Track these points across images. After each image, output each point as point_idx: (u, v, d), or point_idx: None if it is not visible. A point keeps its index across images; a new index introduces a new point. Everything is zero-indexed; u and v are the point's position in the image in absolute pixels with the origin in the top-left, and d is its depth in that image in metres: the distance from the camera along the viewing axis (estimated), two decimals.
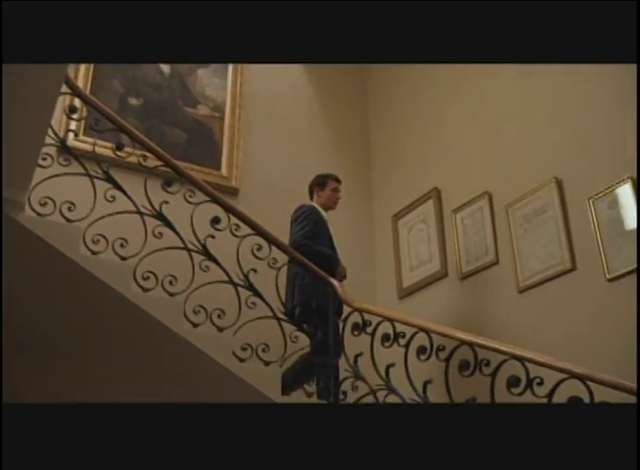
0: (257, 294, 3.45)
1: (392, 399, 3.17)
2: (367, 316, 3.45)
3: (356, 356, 3.38)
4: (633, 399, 2.23)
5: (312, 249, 4.01)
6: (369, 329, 3.39)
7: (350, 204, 5.58)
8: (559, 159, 4.14)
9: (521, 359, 2.63)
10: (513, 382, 2.59)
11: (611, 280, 3.64)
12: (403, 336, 3.21)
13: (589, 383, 2.36)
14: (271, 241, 3.57)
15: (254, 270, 3.47)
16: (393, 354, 3.27)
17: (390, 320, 3.31)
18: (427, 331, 3.09)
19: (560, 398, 2.43)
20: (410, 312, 4.52)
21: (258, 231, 3.56)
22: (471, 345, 2.85)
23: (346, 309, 3.57)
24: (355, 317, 3.49)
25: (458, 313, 4.50)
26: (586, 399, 2.32)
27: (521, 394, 2.57)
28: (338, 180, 4.46)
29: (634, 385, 2.25)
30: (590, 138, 3.98)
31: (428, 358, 3.02)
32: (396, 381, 3.21)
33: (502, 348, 2.72)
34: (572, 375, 2.43)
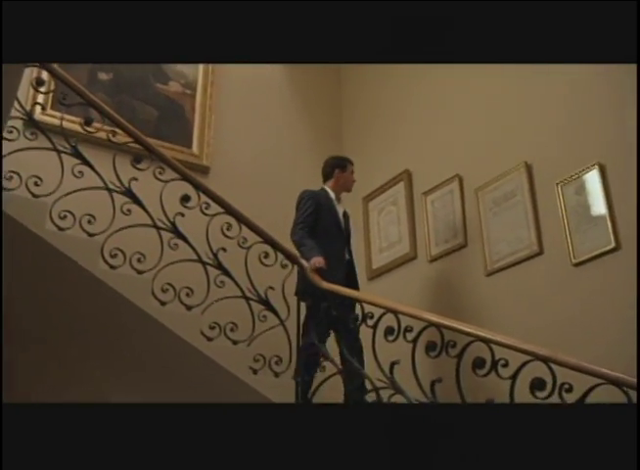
0: (226, 273, 3.44)
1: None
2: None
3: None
4: (595, 381, 2.27)
5: (295, 240, 3.97)
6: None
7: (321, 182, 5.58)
8: (529, 144, 4.17)
9: (486, 341, 2.65)
10: (478, 363, 2.61)
11: (576, 265, 3.69)
12: (371, 317, 3.21)
13: (552, 365, 2.40)
14: (241, 220, 3.55)
15: (224, 249, 3.46)
16: (361, 335, 3.30)
17: (358, 301, 3.32)
18: (394, 312, 3.10)
19: (523, 380, 2.46)
20: (379, 294, 4.56)
21: (229, 210, 3.55)
22: (437, 326, 2.87)
23: None
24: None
25: (427, 295, 4.53)
26: (549, 382, 2.36)
27: (485, 375, 2.59)
28: (353, 163, 4.43)
29: (596, 367, 2.28)
30: (560, 124, 4.02)
31: (395, 339, 3.04)
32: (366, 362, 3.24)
33: (468, 329, 2.75)
34: (537, 357, 2.46)
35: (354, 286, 4.04)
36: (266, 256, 3.62)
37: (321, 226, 4.05)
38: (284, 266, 3.70)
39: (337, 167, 4.33)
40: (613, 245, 3.53)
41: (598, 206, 3.68)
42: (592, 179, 3.73)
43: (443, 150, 4.79)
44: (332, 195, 4.25)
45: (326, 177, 4.36)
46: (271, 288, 3.59)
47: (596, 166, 3.72)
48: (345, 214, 4.33)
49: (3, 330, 3.01)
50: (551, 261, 3.85)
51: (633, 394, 2.16)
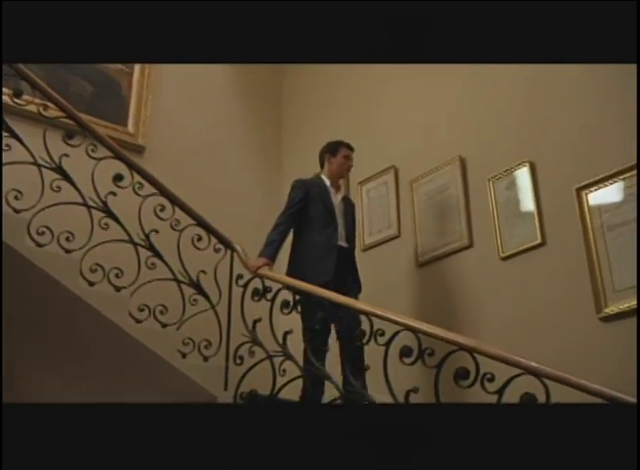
0: (158, 255, 3.39)
1: (288, 364, 3.20)
2: (268, 283, 3.46)
3: (255, 322, 3.39)
4: (516, 372, 2.34)
5: (269, 233, 3.87)
6: (269, 295, 3.41)
7: (259, 166, 5.58)
8: (464, 139, 4.25)
9: (413, 330, 2.70)
10: (405, 352, 2.66)
11: (504, 258, 3.79)
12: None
13: (476, 355, 2.46)
14: (175, 202, 3.51)
15: (156, 231, 3.41)
16: (292, 322, 3.31)
17: (290, 287, 3.33)
18: (325, 300, 3.13)
19: (448, 369, 2.51)
20: None
21: (162, 191, 3.50)
22: (367, 315, 2.91)
23: (248, 275, 3.57)
24: (256, 283, 3.49)
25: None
26: (473, 371, 2.42)
27: (412, 363, 2.64)
28: (350, 147, 4.16)
29: (517, 358, 2.35)
30: (494, 122, 4.11)
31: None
32: (293, 348, 3.24)
33: (397, 318, 2.78)
34: (461, 347, 2.52)
35: (352, 279, 3.90)
36: (199, 239, 3.59)
37: (310, 215, 3.91)
38: (217, 250, 3.68)
39: (327, 152, 4.16)
40: (539, 240, 3.64)
41: (527, 202, 3.78)
42: (522, 176, 3.83)
43: (380, 141, 4.83)
44: (326, 182, 4.06)
45: (321, 164, 4.19)
46: (203, 272, 3.56)
47: (527, 164, 3.82)
48: (347, 202, 4.15)
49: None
50: (480, 254, 3.94)
51: (551, 384, 2.24)
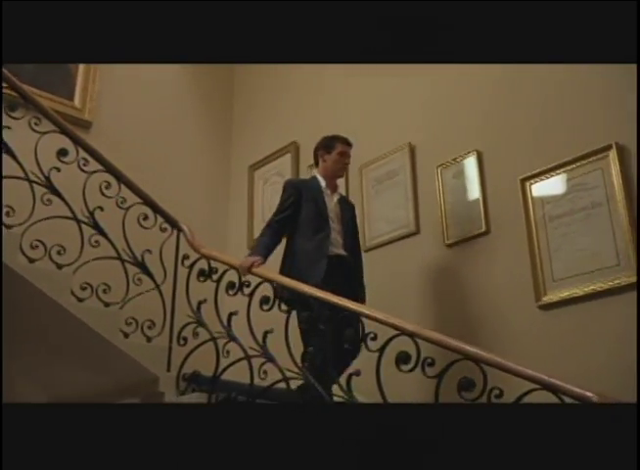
0: (102, 233, 3.34)
1: (232, 346, 3.20)
2: (214, 264, 3.44)
3: (200, 303, 3.37)
4: (455, 357, 2.38)
5: (258, 237, 3.65)
6: (215, 276, 3.39)
7: (209, 148, 5.52)
8: (414, 126, 4.28)
9: (356, 314, 2.73)
10: (349, 336, 2.69)
11: (449, 246, 3.85)
12: (248, 285, 3.23)
13: (418, 340, 2.50)
14: (121, 179, 3.46)
15: (101, 208, 3.36)
16: (237, 303, 3.30)
17: (237, 269, 3.32)
18: (271, 282, 3.13)
19: (390, 352, 2.54)
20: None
21: (108, 168, 3.44)
22: (313, 298, 2.92)
23: (194, 255, 3.54)
24: (202, 264, 3.47)
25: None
26: (414, 355, 2.46)
27: (358, 349, 2.67)
28: (347, 143, 3.74)
29: (457, 343, 2.39)
30: (444, 110, 4.15)
31: (270, 309, 3.07)
32: (238, 330, 3.24)
33: (340, 302, 2.81)
34: (403, 332, 2.55)
35: (347, 289, 3.31)
36: (145, 218, 3.55)
37: (302, 219, 3.57)
38: (163, 230, 3.64)
39: (321, 149, 3.77)
40: (483, 229, 3.70)
41: (473, 191, 3.84)
42: (470, 165, 3.89)
43: (331, 125, 4.80)
44: (322, 183, 3.69)
45: (315, 162, 3.84)
46: (148, 251, 3.52)
47: (474, 153, 3.87)
48: (344, 203, 3.76)
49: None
50: (426, 241, 3.99)
51: (490, 369, 2.28)
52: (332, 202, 3.67)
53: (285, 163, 5.06)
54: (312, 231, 3.53)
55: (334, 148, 3.71)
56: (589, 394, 1.97)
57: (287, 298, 3.13)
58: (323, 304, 2.88)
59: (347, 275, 3.52)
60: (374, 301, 3.79)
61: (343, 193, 4.51)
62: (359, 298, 3.46)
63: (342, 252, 3.56)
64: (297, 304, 3.10)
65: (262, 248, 3.49)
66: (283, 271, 3.46)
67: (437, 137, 4.12)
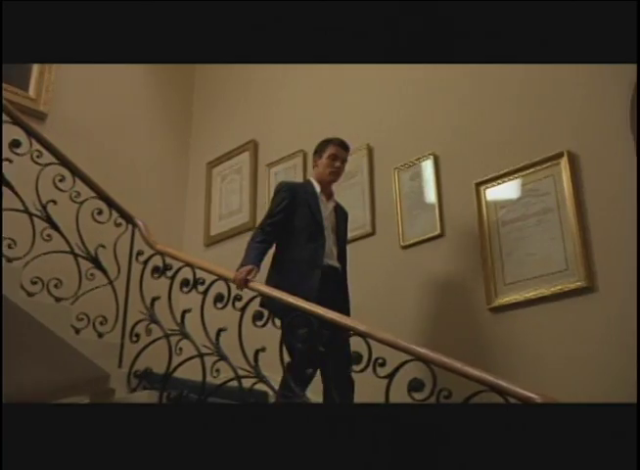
0: (54, 226, 3.29)
1: (185, 344, 3.18)
2: (169, 260, 3.42)
3: (153, 300, 3.34)
4: (407, 357, 2.41)
5: (249, 240, 3.35)
6: (169, 273, 3.37)
7: (167, 146, 5.47)
8: (373, 128, 4.31)
9: (309, 314, 2.74)
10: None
11: (404, 247, 3.89)
12: (202, 283, 3.22)
13: (370, 340, 2.52)
14: (75, 173, 3.41)
15: (54, 202, 3.31)
16: (191, 301, 3.28)
17: (191, 266, 3.30)
18: (226, 280, 3.12)
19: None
20: (215, 260, 4.53)
21: (63, 161, 3.39)
22: (266, 296, 2.93)
23: (148, 251, 3.51)
24: (157, 260, 3.45)
25: (261, 266, 4.56)
26: (366, 355, 2.48)
27: (307, 346, 2.68)
28: (341, 145, 3.48)
29: (408, 344, 2.42)
30: (403, 113, 4.19)
31: (224, 307, 3.06)
32: (191, 327, 3.23)
33: (294, 302, 2.82)
34: (355, 332, 2.57)
35: (341, 303, 3.26)
36: (100, 212, 3.51)
37: (295, 225, 3.33)
38: (118, 225, 3.61)
39: (314, 154, 3.55)
40: (438, 231, 3.76)
41: (429, 193, 3.89)
42: (426, 168, 3.93)
43: (290, 124, 4.84)
44: (316, 188, 3.45)
45: (313, 167, 3.60)
46: (102, 246, 3.48)
47: (431, 156, 3.92)
48: (339, 212, 3.54)
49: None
50: (382, 242, 4.02)
51: (438, 370, 2.32)
52: (327, 210, 3.44)
53: (243, 160, 5.05)
54: (306, 239, 3.30)
55: (325, 151, 3.48)
56: (533, 395, 2.02)
57: (276, 310, 2.92)
58: (324, 323, 2.69)
59: (340, 289, 3.35)
60: None
61: None
62: (347, 312, 3.30)
63: (336, 263, 3.36)
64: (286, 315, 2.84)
65: (256, 255, 3.23)
66: (271, 280, 3.24)
67: (395, 139, 4.16)
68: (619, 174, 3.21)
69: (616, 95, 3.30)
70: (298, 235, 3.30)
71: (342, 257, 3.42)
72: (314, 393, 2.93)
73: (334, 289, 3.26)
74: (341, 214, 3.54)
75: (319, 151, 3.50)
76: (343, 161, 3.49)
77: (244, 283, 3.08)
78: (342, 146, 3.49)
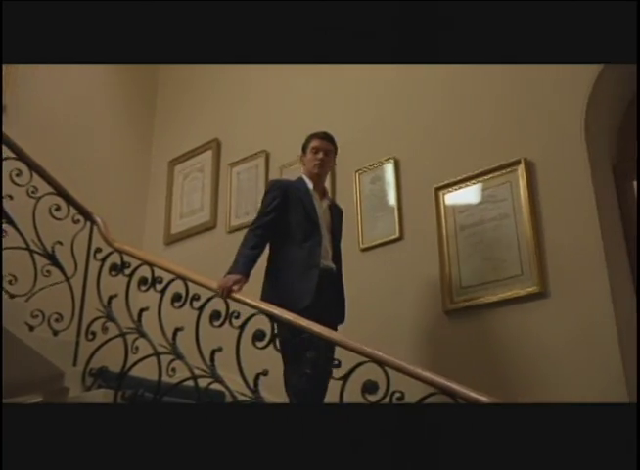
0: (10, 222, 3.25)
1: (141, 342, 3.17)
2: (127, 258, 3.40)
3: (110, 297, 3.32)
4: (362, 359, 2.44)
5: (241, 243, 3.22)
6: (127, 271, 3.35)
7: (129, 142, 5.43)
8: (335, 130, 4.26)
9: (268, 315, 2.76)
10: (259, 335, 2.71)
11: (363, 250, 3.92)
12: (160, 281, 3.20)
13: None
14: (33, 168, 3.37)
15: (10, 197, 3.27)
16: (148, 299, 3.27)
17: (149, 264, 3.28)
18: (184, 279, 3.12)
19: None
20: (175, 259, 4.51)
21: (20, 155, 3.35)
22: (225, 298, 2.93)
23: (106, 249, 3.48)
24: (115, 258, 3.42)
25: (222, 266, 4.52)
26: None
27: (264, 347, 2.70)
28: (323, 137, 3.41)
29: (362, 346, 2.44)
30: (364, 115, 4.23)
31: (182, 306, 3.06)
32: (148, 326, 3.21)
33: (251, 302, 2.83)
34: (311, 334, 2.59)
35: (335, 305, 3.22)
36: (58, 208, 3.47)
37: (288, 225, 3.21)
38: (76, 222, 3.57)
39: (302, 151, 3.46)
40: (397, 235, 3.80)
41: (389, 197, 3.93)
42: (387, 172, 3.97)
43: (254, 125, 4.85)
44: (309, 185, 3.35)
45: (302, 166, 3.49)
46: (59, 243, 3.45)
47: (392, 160, 3.96)
48: (333, 210, 3.45)
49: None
50: (342, 244, 4.03)
51: (392, 372, 2.35)
52: (321, 207, 3.34)
53: (206, 159, 5.04)
54: (301, 238, 3.18)
55: (308, 146, 3.41)
56: (483, 398, 2.06)
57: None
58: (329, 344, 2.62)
59: (335, 291, 3.25)
60: None
61: (259, 190, 4.51)
62: (342, 315, 3.28)
63: (331, 265, 3.26)
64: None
65: (244, 262, 3.08)
66: (268, 285, 3.15)
67: (358, 142, 4.19)
68: (574, 182, 3.28)
69: (572, 104, 3.38)
70: (293, 235, 3.19)
71: (336, 257, 3.33)
72: (270, 392, 2.93)
73: (329, 291, 3.17)
74: (335, 213, 3.45)
75: (304, 147, 3.43)
76: (327, 152, 3.38)
77: (226, 293, 2.96)
78: (324, 137, 3.40)
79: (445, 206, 3.67)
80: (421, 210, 3.77)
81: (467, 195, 3.63)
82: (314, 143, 3.38)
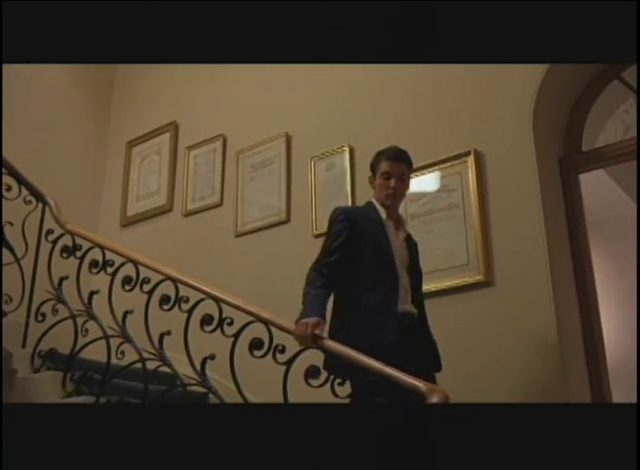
0: None
1: (91, 325, 3.18)
2: (79, 241, 3.40)
3: (61, 279, 3.32)
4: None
5: (305, 283, 2.71)
6: (79, 253, 3.35)
7: (85, 123, 5.37)
8: (293, 117, 4.36)
9: (216, 299, 2.79)
10: (207, 320, 2.74)
11: (316, 236, 3.96)
12: (112, 264, 3.21)
13: (272, 327, 2.59)
14: None
15: None
16: (99, 282, 3.28)
17: (101, 247, 3.29)
18: (134, 262, 3.13)
19: (245, 338, 2.62)
20: (131, 242, 4.53)
21: None
22: (173, 280, 2.95)
23: (58, 231, 3.47)
24: (67, 240, 3.42)
25: (177, 249, 4.57)
26: (267, 341, 2.55)
27: (212, 331, 2.73)
28: (394, 157, 2.83)
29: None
30: (321, 103, 4.26)
31: (132, 289, 3.07)
32: (99, 309, 3.22)
33: (201, 286, 2.86)
34: (258, 319, 2.64)
35: (421, 357, 2.65)
36: (9, 189, 3.44)
37: (360, 261, 2.70)
38: (27, 202, 3.55)
39: (370, 169, 2.93)
40: None
41: (343, 184, 3.96)
42: (342, 159, 4.01)
43: (212, 108, 4.84)
44: (381, 213, 2.81)
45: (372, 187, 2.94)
46: (10, 223, 3.43)
47: (347, 148, 4.00)
48: (411, 243, 2.90)
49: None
50: (295, 231, 4.08)
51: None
52: (397, 240, 2.80)
53: (163, 142, 5.02)
54: (374, 279, 2.67)
55: (377, 168, 2.86)
56: (420, 384, 2.12)
57: (342, 371, 2.39)
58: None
59: (419, 340, 2.71)
60: (241, 286, 3.87)
61: (216, 174, 4.55)
62: (436, 366, 2.75)
63: (412, 309, 2.73)
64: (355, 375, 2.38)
65: (317, 304, 2.58)
66: (336, 327, 2.64)
67: (314, 130, 4.22)
68: (520, 174, 3.36)
69: (521, 100, 3.45)
70: (364, 274, 2.68)
71: (418, 299, 2.80)
72: (218, 373, 2.95)
73: (411, 339, 2.64)
74: (412, 247, 2.89)
75: (373, 166, 2.89)
76: (401, 177, 2.81)
77: (312, 340, 2.46)
78: (397, 158, 2.82)
79: None
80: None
81: (419, 184, 3.68)
82: (384, 166, 2.81)
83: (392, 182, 2.79)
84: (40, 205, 3.59)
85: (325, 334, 2.51)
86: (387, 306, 2.62)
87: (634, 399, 4.66)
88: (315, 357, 2.47)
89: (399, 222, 2.88)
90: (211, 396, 2.79)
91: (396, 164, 2.81)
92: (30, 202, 3.55)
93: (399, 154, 2.84)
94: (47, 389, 3.08)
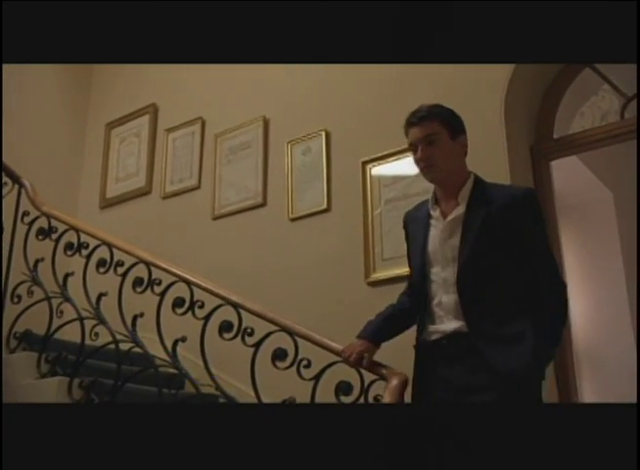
0: None
1: (66, 306, 3.22)
2: (55, 223, 3.43)
3: (37, 261, 3.35)
4: (273, 328, 2.55)
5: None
6: (54, 236, 3.38)
7: (66, 105, 5.35)
8: (270, 100, 4.38)
9: (187, 282, 2.84)
10: (178, 303, 2.80)
11: (292, 220, 4.01)
12: (87, 247, 3.25)
13: (241, 310, 2.65)
14: None
15: None
16: (74, 264, 3.32)
17: (76, 229, 3.32)
18: (109, 245, 3.17)
19: (215, 320, 2.68)
20: (110, 224, 4.57)
21: None
22: (146, 263, 3.00)
23: (34, 213, 3.50)
24: (43, 222, 3.45)
25: (155, 232, 4.59)
26: (236, 324, 2.60)
27: (184, 313, 2.78)
28: (412, 122, 2.22)
29: (275, 316, 2.56)
30: (299, 88, 4.27)
31: (106, 271, 3.11)
32: (74, 291, 3.26)
33: (173, 269, 2.90)
34: (228, 302, 2.69)
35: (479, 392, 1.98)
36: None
37: (411, 260, 2.30)
38: (3, 184, 3.57)
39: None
40: (324, 206, 3.89)
41: (319, 169, 4.00)
42: (318, 144, 4.05)
43: (191, 91, 4.85)
44: (430, 203, 2.25)
45: None
46: None
47: (323, 133, 4.03)
48: (478, 213, 2.13)
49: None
50: (271, 214, 4.12)
51: (301, 341, 2.47)
52: (437, 230, 2.17)
53: (143, 124, 5.02)
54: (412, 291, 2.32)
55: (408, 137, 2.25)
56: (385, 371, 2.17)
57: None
58: None
59: (472, 367, 2.01)
60: (217, 269, 3.92)
61: (194, 157, 4.59)
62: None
63: (454, 326, 2.07)
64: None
65: (375, 324, 2.34)
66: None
67: (291, 114, 4.24)
68: (491, 160, 3.39)
69: (492, 87, 3.49)
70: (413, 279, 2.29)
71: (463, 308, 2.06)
72: (190, 352, 3.00)
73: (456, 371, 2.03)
74: (464, 243, 2.10)
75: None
76: (429, 140, 2.15)
77: (356, 362, 2.25)
78: (415, 122, 2.20)
79: (371, 179, 3.77)
80: (349, 182, 3.86)
81: (392, 169, 3.73)
82: (409, 137, 2.23)
83: (419, 152, 2.17)
84: (16, 186, 3.60)
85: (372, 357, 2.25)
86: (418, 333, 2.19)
87: (603, 382, 4.78)
88: (281, 341, 2.53)
89: (450, 206, 2.17)
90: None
91: (417, 129, 2.18)
92: (6, 183, 3.57)
93: (416, 114, 2.21)
94: (23, 369, 3.12)
